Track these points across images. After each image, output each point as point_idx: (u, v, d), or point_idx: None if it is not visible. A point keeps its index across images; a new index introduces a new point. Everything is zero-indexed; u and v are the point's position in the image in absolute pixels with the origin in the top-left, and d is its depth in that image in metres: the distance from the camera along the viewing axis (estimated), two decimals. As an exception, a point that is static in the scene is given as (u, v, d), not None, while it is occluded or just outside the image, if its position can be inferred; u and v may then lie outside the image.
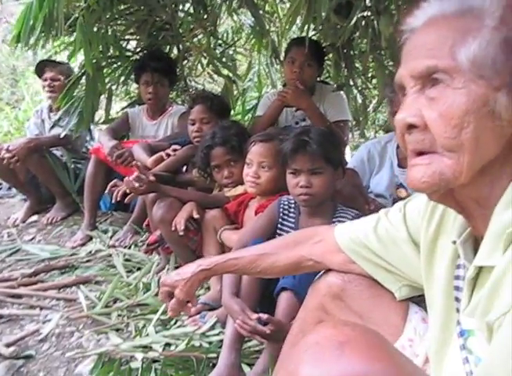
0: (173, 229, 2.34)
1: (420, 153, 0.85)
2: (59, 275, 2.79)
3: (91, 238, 3.31)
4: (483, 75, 0.79)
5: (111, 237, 3.32)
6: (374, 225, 1.20)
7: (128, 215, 3.70)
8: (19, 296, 2.50)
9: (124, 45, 3.92)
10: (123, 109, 4.19)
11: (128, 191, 2.48)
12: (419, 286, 1.14)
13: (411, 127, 0.84)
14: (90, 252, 3.07)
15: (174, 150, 2.82)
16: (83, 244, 3.23)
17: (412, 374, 0.75)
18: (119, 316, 2.26)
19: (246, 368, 1.79)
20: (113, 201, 2.64)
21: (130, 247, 3.12)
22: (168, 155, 2.81)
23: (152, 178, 2.44)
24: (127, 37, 3.92)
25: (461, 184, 0.83)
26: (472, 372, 0.85)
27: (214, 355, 1.83)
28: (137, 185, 2.37)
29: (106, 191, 2.73)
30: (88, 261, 2.97)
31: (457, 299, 0.94)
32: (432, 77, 0.82)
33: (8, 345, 1.99)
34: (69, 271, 2.83)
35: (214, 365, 1.80)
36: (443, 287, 0.99)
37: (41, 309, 2.39)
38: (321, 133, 1.97)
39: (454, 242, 0.94)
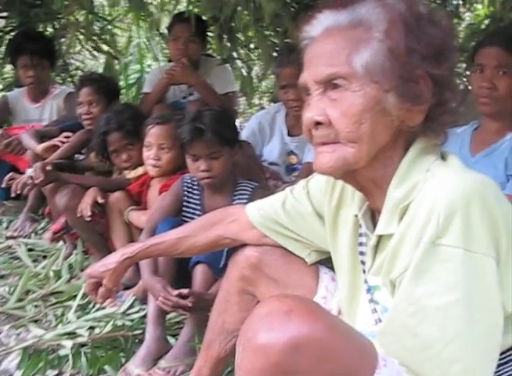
0: (79, 215, 2.37)
1: (324, 144, 1.02)
2: (-42, 273, 2.71)
3: (-15, 231, 3.22)
4: (375, 80, 0.96)
5: (7, 228, 3.26)
6: (282, 202, 1.36)
7: (20, 203, 3.60)
8: None
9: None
10: (0, 91, 4.00)
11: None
12: (325, 251, 1.34)
13: (317, 124, 1.00)
14: (-13, 246, 2.99)
15: (67, 137, 2.81)
16: (-23, 238, 3.13)
17: (341, 327, 0.93)
18: (34, 307, 2.27)
19: (171, 339, 1.92)
20: (12, 195, 2.60)
21: (30, 236, 3.09)
22: (62, 143, 2.79)
23: (49, 167, 2.44)
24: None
25: (360, 167, 1.02)
26: (380, 319, 1.07)
27: (139, 331, 1.95)
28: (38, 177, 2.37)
29: (3, 185, 2.67)
30: (-13, 255, 2.90)
31: (362, 262, 1.14)
32: (333, 82, 0.98)
33: None
34: (-32, 267, 2.75)
35: (140, 341, 1.91)
36: (348, 253, 1.19)
37: (-51, 310, 2.33)
38: (214, 117, 2.07)
39: (356, 215, 1.13)
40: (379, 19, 0.98)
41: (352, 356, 0.88)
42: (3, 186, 2.62)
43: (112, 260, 1.54)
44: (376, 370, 0.89)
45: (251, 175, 2.35)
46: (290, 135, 2.75)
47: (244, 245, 1.44)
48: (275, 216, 1.36)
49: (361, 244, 1.16)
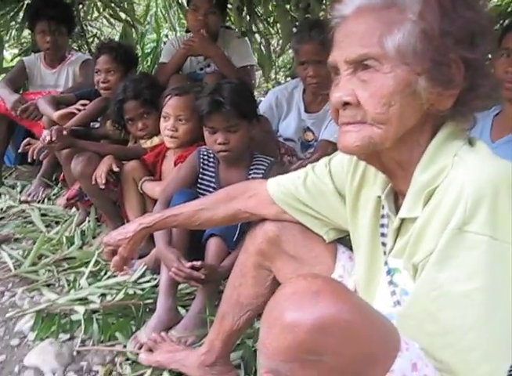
0: (93, 182, 2.38)
1: (350, 124, 1.01)
2: (-26, 235, 2.74)
3: (-1, 194, 3.26)
4: (407, 62, 0.95)
5: (20, 192, 3.29)
6: (303, 179, 1.35)
7: (34, 168, 3.65)
8: None
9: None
10: (16, 56, 3.99)
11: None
12: (343, 229, 1.34)
13: (345, 104, 1.00)
14: (1, 209, 3.03)
15: (84, 105, 2.81)
16: (-9, 202, 3.16)
17: (367, 310, 0.93)
18: (47, 271, 2.31)
19: (181, 310, 1.94)
20: (29, 160, 2.61)
21: (43, 201, 3.12)
22: (78, 110, 2.79)
23: (65, 133, 2.44)
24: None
25: (386, 148, 1.01)
26: (399, 301, 1.07)
27: (150, 301, 1.97)
28: (54, 141, 2.37)
29: (20, 150, 2.68)
30: (1, 218, 2.93)
31: (383, 244, 1.14)
32: (363, 63, 0.97)
33: None
34: (-18, 230, 2.79)
35: (150, 310, 1.94)
36: (368, 233, 1.19)
37: (-39, 271, 2.37)
38: (234, 90, 2.05)
39: (379, 197, 1.13)
40: (413, 0, 0.96)
41: (376, 339, 0.88)
42: (20, 150, 2.63)
43: (129, 229, 1.55)
44: (399, 353, 0.89)
45: (267, 150, 2.35)
46: (307, 111, 2.73)
47: (263, 220, 1.44)
48: (295, 193, 1.36)
49: (382, 225, 1.16)
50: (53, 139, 2.40)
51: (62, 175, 2.86)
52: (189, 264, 1.78)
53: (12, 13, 3.59)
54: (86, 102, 2.84)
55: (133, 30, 3.98)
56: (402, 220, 1.06)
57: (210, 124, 2.04)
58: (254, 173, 2.11)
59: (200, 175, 2.15)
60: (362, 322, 0.86)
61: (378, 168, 1.11)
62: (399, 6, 0.96)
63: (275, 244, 1.40)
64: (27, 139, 2.67)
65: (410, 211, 1.02)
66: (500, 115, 2.01)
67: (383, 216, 1.15)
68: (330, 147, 2.58)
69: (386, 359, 0.88)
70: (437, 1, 0.95)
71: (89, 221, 2.69)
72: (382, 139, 0.99)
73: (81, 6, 3.88)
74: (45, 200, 3.13)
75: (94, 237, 2.61)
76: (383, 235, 1.14)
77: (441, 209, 0.94)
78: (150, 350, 1.71)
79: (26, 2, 3.59)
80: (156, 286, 2.09)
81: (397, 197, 1.11)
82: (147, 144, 2.55)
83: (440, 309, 0.93)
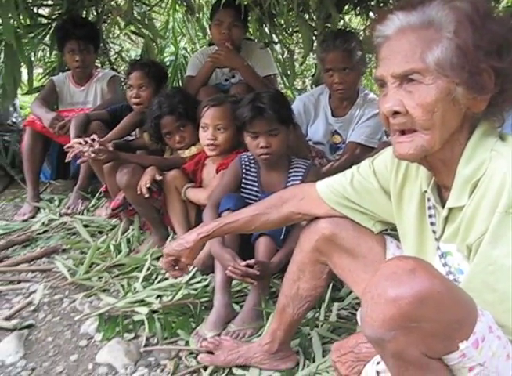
0: (138, 192, 2.52)
1: (402, 131, 1.18)
2: (22, 249, 2.86)
3: (38, 209, 3.39)
4: (446, 74, 1.11)
5: (59, 206, 3.43)
6: (350, 179, 1.51)
7: (68, 182, 3.80)
8: (-8, 274, 2.58)
9: (36, 11, 3.85)
10: (44, 76, 4.15)
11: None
12: (388, 222, 1.50)
13: (395, 113, 1.16)
14: (44, 223, 3.16)
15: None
16: (33, 216, 3.30)
17: (451, 283, 1.08)
18: (99, 278, 2.45)
19: (235, 306, 2.08)
20: (67, 160, 2.72)
21: (83, 213, 3.26)
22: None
23: (111, 148, 2.59)
24: (39, 2, 3.84)
25: (434, 151, 1.18)
26: (456, 280, 1.23)
27: (205, 299, 2.11)
28: (100, 154, 2.53)
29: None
30: (45, 232, 3.07)
31: (434, 231, 1.30)
32: (409, 77, 1.13)
33: (7, 319, 2.13)
34: (30, 244, 2.91)
35: (206, 308, 2.08)
36: (415, 224, 1.35)
37: (19, 282, 2.50)
38: (272, 97, 2.22)
39: (425, 191, 1.29)
40: (448, 20, 1.12)
41: (462, 306, 1.03)
42: (65, 147, 2.71)
43: (189, 239, 1.71)
44: (478, 318, 1.04)
45: (300, 154, 2.49)
46: (333, 115, 2.88)
47: (315, 219, 1.58)
48: (343, 192, 1.51)
49: (430, 215, 1.31)
50: (98, 156, 2.55)
51: (104, 186, 2.98)
52: (244, 262, 1.91)
53: (39, 36, 3.72)
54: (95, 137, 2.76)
55: (153, 44, 4.12)
56: (450, 209, 1.22)
57: (252, 129, 2.18)
58: (294, 176, 2.25)
59: (243, 180, 2.30)
60: (450, 293, 1.01)
61: (425, 166, 1.27)
62: (436, 26, 1.13)
63: (330, 241, 1.54)
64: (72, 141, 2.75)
65: (457, 200, 1.18)
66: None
67: (429, 208, 1.31)
68: (358, 148, 2.73)
69: (469, 323, 1.03)
70: (468, 20, 1.11)
71: (133, 229, 2.82)
72: (431, 144, 1.15)
73: (103, 24, 4.02)
74: (84, 211, 3.27)
75: (139, 244, 2.74)
76: (432, 224, 1.30)
77: (488, 196, 1.11)
78: (210, 352, 1.82)
79: (54, 25, 3.73)
80: (207, 286, 2.24)
81: (440, 190, 1.28)
82: (185, 154, 2.69)
83: (497, 280, 1.10)
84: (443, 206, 1.24)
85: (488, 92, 1.13)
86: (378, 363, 1.19)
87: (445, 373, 1.07)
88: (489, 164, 1.13)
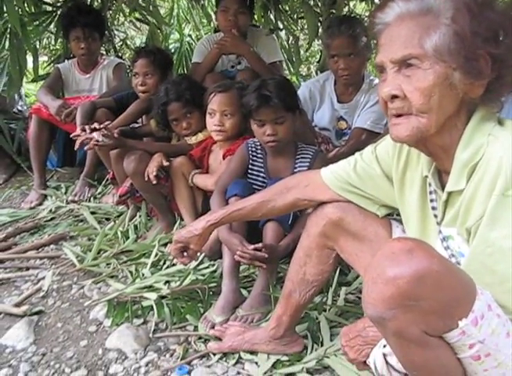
0: (146, 179, 2.54)
1: (398, 115, 1.19)
2: (30, 236, 2.88)
3: (45, 196, 3.41)
4: (443, 59, 1.12)
5: (65, 193, 3.45)
6: (353, 165, 1.52)
7: (74, 170, 3.81)
8: (1, 261, 2.60)
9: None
10: (49, 64, 4.14)
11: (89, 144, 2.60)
12: (392, 206, 1.52)
13: (394, 97, 1.17)
14: (51, 210, 3.18)
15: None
16: (40, 204, 3.32)
17: (449, 262, 1.11)
18: (107, 264, 2.46)
19: (243, 291, 2.09)
20: (75, 148, 2.70)
21: (89, 200, 3.28)
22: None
23: (117, 134, 2.60)
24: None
25: (430, 135, 1.19)
26: (458, 262, 1.25)
27: (213, 284, 2.13)
28: (106, 141, 2.53)
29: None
30: (52, 219, 3.09)
31: (435, 215, 1.32)
32: (407, 62, 1.15)
33: (17, 305, 2.15)
34: (38, 231, 2.94)
35: (214, 293, 2.09)
36: (417, 208, 1.37)
37: (28, 269, 2.52)
38: (278, 85, 2.21)
39: (426, 176, 1.31)
40: (446, 8, 1.13)
41: (461, 285, 1.05)
42: (72, 135, 2.70)
43: (198, 226, 1.73)
44: (477, 296, 1.06)
45: (306, 140, 2.49)
46: (339, 101, 2.87)
47: (321, 204, 1.60)
48: (347, 178, 1.52)
49: (431, 200, 1.33)
50: (104, 139, 2.55)
51: (111, 173, 2.99)
52: (252, 246, 1.92)
53: (44, 24, 3.72)
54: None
55: (158, 31, 4.11)
56: (449, 193, 1.24)
57: (258, 117, 2.18)
58: (301, 162, 2.25)
59: (250, 166, 2.30)
60: (448, 272, 1.03)
61: (424, 152, 1.29)
62: (434, 13, 1.15)
63: (337, 225, 1.56)
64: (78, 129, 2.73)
65: (456, 184, 1.20)
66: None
67: (430, 192, 1.33)
68: (364, 134, 2.73)
69: (468, 302, 1.05)
70: (466, 7, 1.12)
71: (140, 216, 2.84)
72: (427, 126, 1.17)
73: (108, 12, 4.00)
74: (91, 199, 3.29)
75: (147, 230, 2.76)
76: (433, 208, 1.32)
77: (486, 180, 1.13)
78: (219, 339, 1.84)
79: (59, 13, 3.72)
80: (215, 271, 2.25)
81: (440, 175, 1.30)
82: (192, 140, 2.70)
83: (495, 262, 1.12)
84: (443, 190, 1.26)
85: (485, 77, 1.15)
86: (385, 346, 1.21)
87: (446, 350, 1.09)
88: (487, 148, 1.15)
